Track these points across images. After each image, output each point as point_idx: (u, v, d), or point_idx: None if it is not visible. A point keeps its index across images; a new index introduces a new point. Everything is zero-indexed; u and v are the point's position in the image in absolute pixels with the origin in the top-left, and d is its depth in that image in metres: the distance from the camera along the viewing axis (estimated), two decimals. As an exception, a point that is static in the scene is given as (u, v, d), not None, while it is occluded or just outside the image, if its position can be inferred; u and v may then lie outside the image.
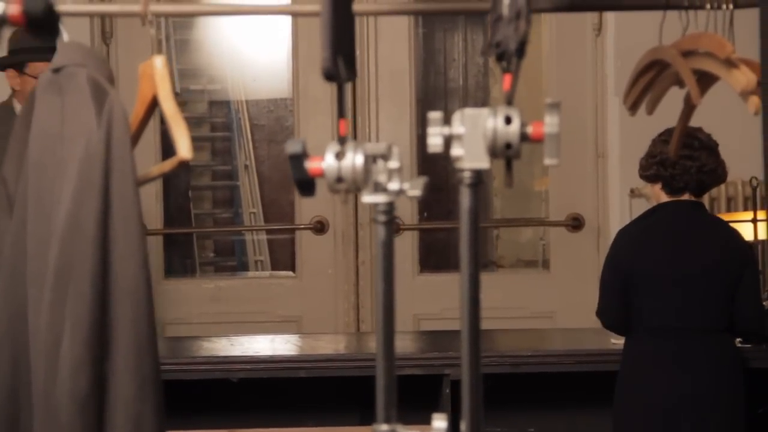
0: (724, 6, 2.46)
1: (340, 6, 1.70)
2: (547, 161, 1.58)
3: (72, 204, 2.07)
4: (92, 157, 2.07)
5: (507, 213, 6.50)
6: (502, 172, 1.63)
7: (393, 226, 1.62)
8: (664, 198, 3.94)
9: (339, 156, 1.62)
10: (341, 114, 1.70)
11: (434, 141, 1.60)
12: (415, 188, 1.61)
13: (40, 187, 2.13)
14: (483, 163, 1.59)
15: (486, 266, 6.16)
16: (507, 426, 4.30)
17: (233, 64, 6.85)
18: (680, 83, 2.57)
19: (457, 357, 1.60)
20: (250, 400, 4.26)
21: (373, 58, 5.61)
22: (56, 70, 2.17)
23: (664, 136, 3.84)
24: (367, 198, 1.62)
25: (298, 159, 1.63)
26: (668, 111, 2.77)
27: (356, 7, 1.79)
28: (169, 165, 2.20)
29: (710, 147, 3.91)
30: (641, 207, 4.44)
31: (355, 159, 1.61)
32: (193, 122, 7.04)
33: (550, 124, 1.58)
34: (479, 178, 1.60)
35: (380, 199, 1.61)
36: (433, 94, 6.45)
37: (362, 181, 1.61)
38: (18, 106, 4.41)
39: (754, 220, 4.73)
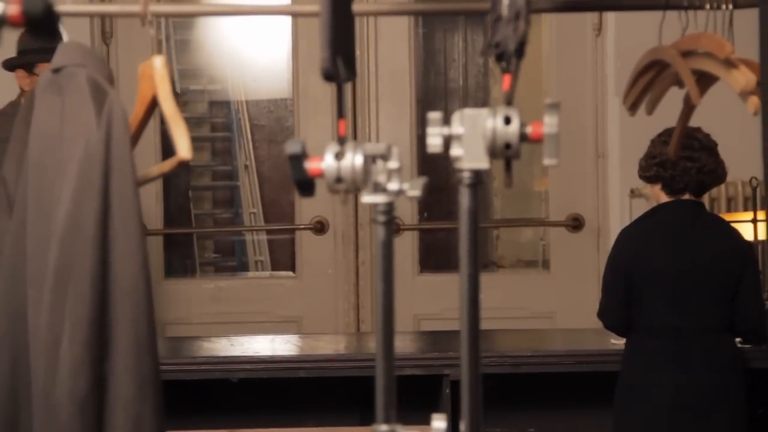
0: (724, 6, 2.47)
1: (340, 6, 1.70)
2: (547, 161, 1.58)
3: (72, 204, 2.07)
4: (92, 157, 2.07)
5: (507, 213, 6.49)
6: (501, 172, 1.63)
7: (393, 227, 1.62)
8: (664, 198, 3.94)
9: (338, 156, 1.62)
10: (341, 114, 1.70)
11: (434, 141, 1.60)
12: (414, 188, 1.61)
13: (40, 187, 2.13)
14: (482, 163, 1.59)
15: (486, 266, 6.15)
16: (507, 426, 4.30)
17: (233, 64, 6.85)
18: (680, 83, 2.57)
19: (456, 357, 1.60)
20: (250, 401, 4.26)
21: (373, 58, 5.61)
22: (56, 71, 2.17)
23: (664, 137, 3.84)
24: (367, 198, 1.62)
25: (298, 159, 1.63)
26: (668, 111, 2.77)
27: (356, 7, 1.79)
28: (168, 165, 2.20)
29: (710, 147, 3.91)
30: (641, 207, 4.45)
31: (354, 159, 1.61)
32: (193, 122, 7.04)
33: (549, 124, 1.58)
34: (479, 178, 1.59)
35: (380, 199, 1.61)
36: (433, 95, 6.45)
37: (362, 181, 1.61)
38: (27, 107, 4.42)
39: (754, 220, 4.73)
